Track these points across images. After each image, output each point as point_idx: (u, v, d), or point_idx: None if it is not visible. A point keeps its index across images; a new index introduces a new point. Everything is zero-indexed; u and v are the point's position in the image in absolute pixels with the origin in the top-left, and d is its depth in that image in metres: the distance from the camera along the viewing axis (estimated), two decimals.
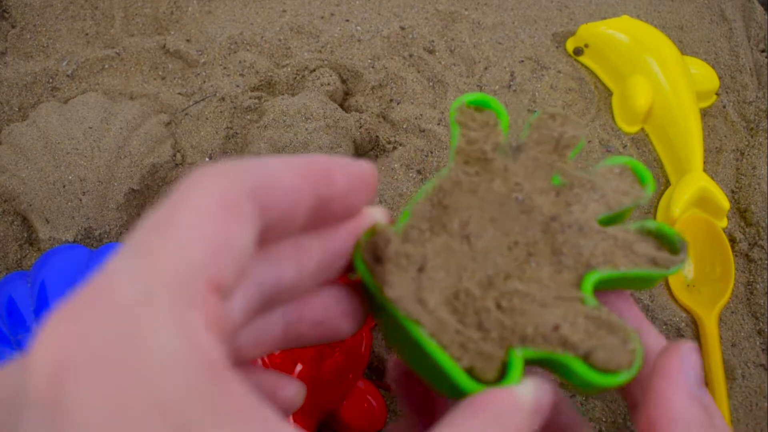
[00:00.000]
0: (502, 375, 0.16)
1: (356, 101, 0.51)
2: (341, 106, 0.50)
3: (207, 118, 0.49)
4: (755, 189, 0.49)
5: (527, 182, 0.19)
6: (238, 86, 0.50)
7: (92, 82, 0.51)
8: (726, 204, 0.46)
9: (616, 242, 0.18)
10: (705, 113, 0.53)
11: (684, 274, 0.45)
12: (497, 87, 0.52)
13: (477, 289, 0.17)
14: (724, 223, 0.47)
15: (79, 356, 0.11)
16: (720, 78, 0.54)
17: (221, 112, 0.49)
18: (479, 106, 0.21)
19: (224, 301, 0.13)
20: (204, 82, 0.51)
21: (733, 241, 0.47)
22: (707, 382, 0.41)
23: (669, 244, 0.19)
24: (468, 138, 0.20)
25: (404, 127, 0.49)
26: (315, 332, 0.18)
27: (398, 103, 0.50)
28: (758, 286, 0.45)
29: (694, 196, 0.46)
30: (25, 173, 0.43)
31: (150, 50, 0.52)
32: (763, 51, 0.58)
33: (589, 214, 0.19)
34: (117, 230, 0.44)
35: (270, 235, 0.15)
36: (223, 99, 0.49)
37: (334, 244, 0.17)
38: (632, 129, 0.51)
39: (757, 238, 0.47)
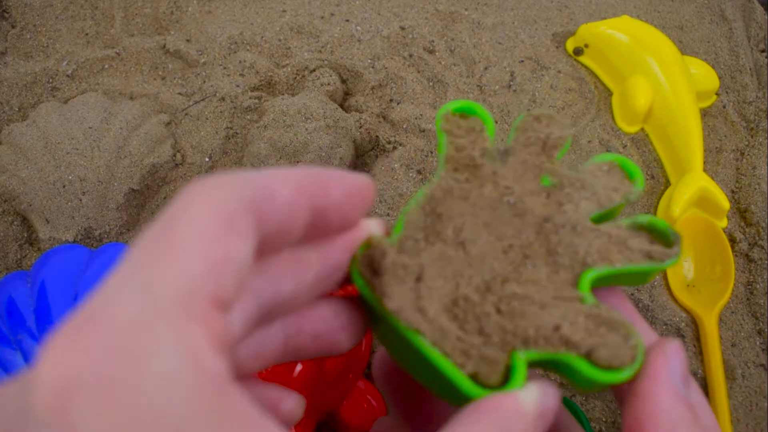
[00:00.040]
0: (506, 379, 0.16)
1: (356, 101, 0.51)
2: (341, 106, 0.50)
3: (207, 118, 0.49)
4: (755, 189, 0.49)
5: (517, 185, 0.19)
6: (238, 86, 0.50)
7: (92, 82, 0.51)
8: (726, 204, 0.46)
9: (610, 239, 0.18)
10: (705, 113, 0.53)
11: (684, 273, 0.45)
12: (497, 87, 0.52)
13: (475, 295, 0.17)
14: (724, 223, 0.47)
15: (84, 375, 0.11)
16: (720, 78, 0.54)
17: (221, 112, 0.49)
18: (464, 113, 0.21)
19: (225, 315, 0.13)
20: (204, 82, 0.51)
21: (733, 241, 0.47)
22: (707, 382, 0.41)
23: (662, 238, 0.19)
24: (456, 145, 0.20)
25: (404, 127, 0.49)
26: (314, 345, 0.18)
27: (398, 103, 0.50)
28: (758, 286, 0.45)
29: (694, 196, 0.46)
30: (25, 173, 0.43)
31: (150, 50, 0.52)
32: (763, 51, 0.58)
33: (581, 212, 0.19)
34: (117, 230, 0.44)
35: (267, 247, 0.15)
36: (223, 99, 0.49)
37: (331, 257, 0.17)
38: (632, 129, 0.51)
39: (757, 238, 0.47)
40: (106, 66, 0.51)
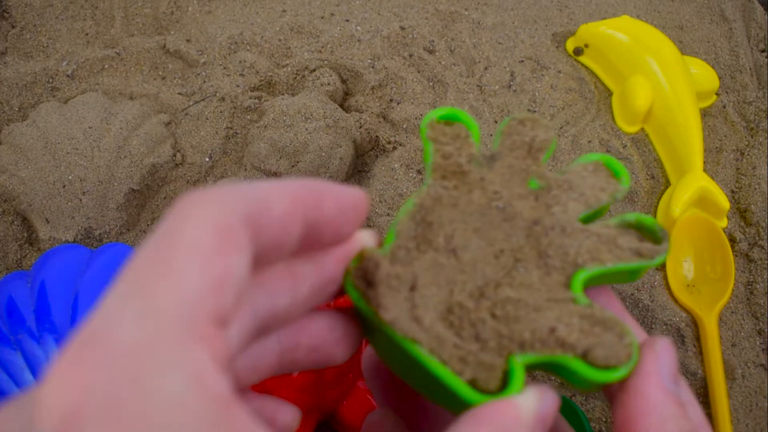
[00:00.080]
0: (505, 384, 0.16)
1: (356, 101, 0.51)
2: (341, 106, 0.50)
3: (207, 118, 0.49)
4: (755, 189, 0.49)
5: (505, 190, 0.20)
6: (238, 86, 0.50)
7: (92, 82, 0.51)
8: (726, 204, 0.46)
9: (600, 238, 0.19)
10: (705, 113, 0.53)
11: (684, 273, 0.45)
12: (497, 87, 0.52)
13: (470, 301, 0.17)
14: (724, 223, 0.47)
15: (90, 399, 0.11)
16: (720, 78, 0.54)
17: (221, 112, 0.49)
18: (449, 120, 0.21)
19: (224, 331, 0.13)
20: (204, 82, 0.51)
21: (733, 241, 0.47)
22: (707, 382, 0.41)
23: (650, 235, 0.19)
24: (442, 153, 0.20)
25: (404, 127, 0.49)
26: (310, 358, 0.18)
27: (398, 103, 0.50)
28: (758, 286, 0.45)
29: (694, 196, 0.46)
30: (25, 173, 0.43)
31: (150, 50, 0.52)
32: (763, 51, 0.58)
33: (570, 214, 0.19)
34: (117, 230, 0.44)
35: (261, 259, 0.15)
36: (223, 99, 0.49)
37: (326, 270, 0.17)
38: (632, 129, 0.51)
39: (757, 238, 0.47)
40: (106, 66, 0.51)
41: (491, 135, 0.49)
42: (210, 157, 0.48)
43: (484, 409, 0.15)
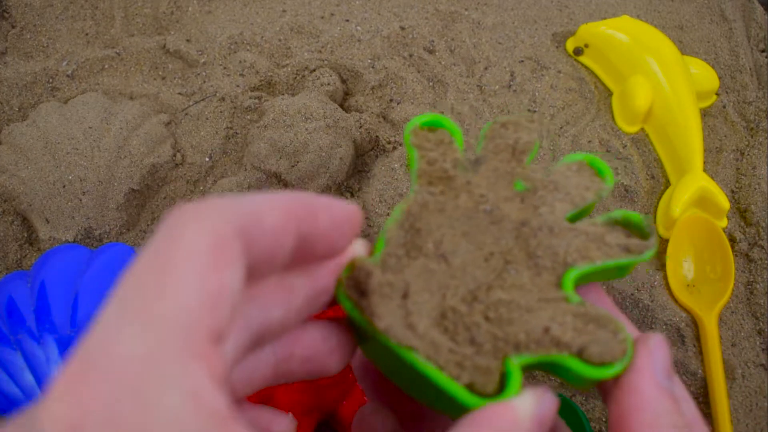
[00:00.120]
0: (502, 386, 0.16)
1: (356, 101, 0.51)
2: (341, 106, 0.50)
3: (207, 118, 0.49)
4: (755, 189, 0.49)
5: (491, 193, 0.20)
6: (238, 86, 0.50)
7: (92, 82, 0.51)
8: (726, 204, 0.46)
9: (588, 237, 0.19)
10: (705, 113, 0.53)
11: (684, 273, 0.45)
12: (497, 87, 0.52)
13: (463, 306, 0.17)
14: (724, 223, 0.47)
15: (92, 416, 0.12)
16: (720, 78, 0.54)
17: (221, 112, 0.49)
18: (432, 127, 0.21)
19: (220, 346, 0.13)
20: (204, 82, 0.51)
21: (733, 241, 0.47)
22: (707, 382, 0.41)
23: (637, 230, 0.19)
24: (427, 159, 0.20)
25: (404, 127, 0.49)
26: (304, 369, 0.18)
27: (398, 103, 0.50)
28: (758, 286, 0.45)
29: (694, 196, 0.46)
30: (25, 173, 0.43)
31: (150, 50, 0.52)
32: (763, 51, 0.58)
33: (557, 214, 0.19)
34: (117, 230, 0.44)
35: (254, 272, 0.15)
36: (223, 99, 0.49)
37: (319, 281, 0.17)
38: (632, 129, 0.51)
39: (757, 238, 0.47)
40: (106, 66, 0.51)
41: None
42: (210, 157, 0.48)
43: (482, 413, 0.15)
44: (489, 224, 0.19)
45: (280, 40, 0.53)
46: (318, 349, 0.18)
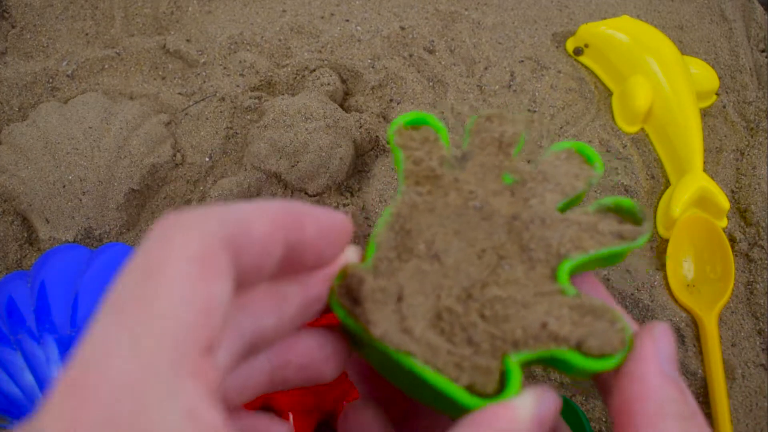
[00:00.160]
0: (503, 386, 0.16)
1: (356, 101, 0.51)
2: (341, 106, 0.50)
3: (207, 118, 0.49)
4: (755, 189, 0.49)
5: (480, 188, 0.19)
6: (238, 86, 0.50)
7: (92, 82, 0.51)
8: (726, 204, 0.46)
9: (581, 226, 0.19)
10: (705, 113, 0.53)
11: (684, 273, 0.45)
12: (497, 87, 0.52)
13: (458, 305, 0.17)
14: (724, 223, 0.47)
15: None
16: (720, 78, 0.54)
17: (221, 112, 0.49)
18: (415, 125, 0.21)
19: (212, 358, 0.13)
20: (204, 82, 0.51)
21: (733, 241, 0.47)
22: (707, 382, 0.41)
23: (630, 216, 0.19)
24: (413, 158, 0.20)
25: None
26: (299, 376, 0.18)
27: (398, 103, 0.50)
28: (758, 286, 0.45)
29: (694, 196, 0.46)
30: (25, 173, 0.43)
31: (150, 50, 0.52)
32: (763, 51, 0.58)
33: (547, 205, 0.19)
34: (117, 230, 0.44)
35: (242, 281, 0.15)
36: (223, 99, 0.49)
37: (311, 290, 0.17)
38: (632, 129, 0.51)
39: (757, 238, 0.47)
40: (106, 66, 0.51)
41: None
42: (210, 157, 0.48)
43: (482, 414, 0.15)
44: (480, 220, 0.19)
45: (280, 40, 0.53)
46: (314, 356, 0.18)
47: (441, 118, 0.50)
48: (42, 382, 0.34)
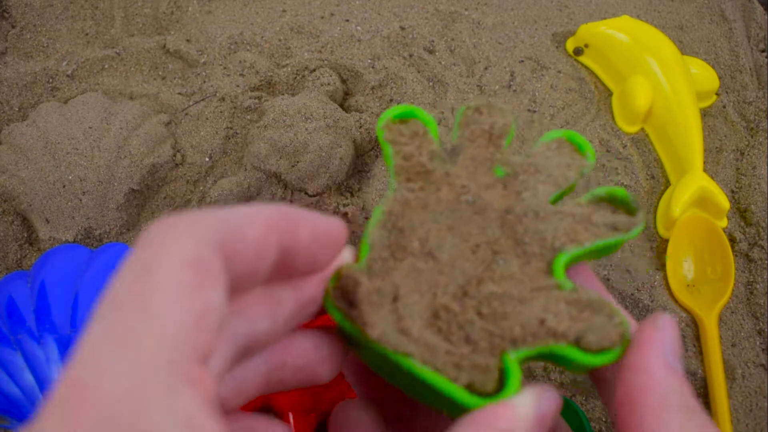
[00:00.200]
0: (502, 384, 0.16)
1: (356, 101, 0.51)
2: (341, 106, 0.50)
3: (207, 118, 0.49)
4: (755, 189, 0.49)
5: (472, 182, 0.19)
6: (238, 86, 0.50)
7: (92, 82, 0.51)
8: (726, 204, 0.46)
9: (575, 218, 0.18)
10: (705, 113, 0.53)
11: (684, 273, 0.45)
12: (497, 87, 0.52)
13: (454, 303, 0.17)
14: (724, 223, 0.47)
15: None
16: (720, 78, 0.54)
17: (221, 112, 0.49)
18: (404, 119, 0.21)
19: (207, 365, 0.13)
20: (204, 82, 0.51)
21: (733, 241, 0.47)
22: (707, 382, 0.41)
23: (624, 206, 0.19)
24: (403, 154, 0.20)
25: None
26: (296, 378, 0.18)
27: (398, 103, 0.50)
28: (758, 286, 0.45)
29: (694, 196, 0.46)
30: (25, 173, 0.43)
31: (150, 50, 0.52)
32: (763, 51, 0.58)
33: (540, 197, 0.19)
34: (117, 230, 0.44)
35: (236, 286, 0.15)
36: (223, 99, 0.49)
37: (306, 293, 0.17)
38: (632, 129, 0.51)
39: (757, 238, 0.47)
40: (106, 66, 0.51)
41: None
42: (210, 157, 0.48)
43: (482, 413, 0.15)
44: (473, 215, 0.19)
45: (280, 40, 0.53)
46: (310, 358, 0.18)
47: (441, 118, 0.50)
48: (42, 382, 0.34)
